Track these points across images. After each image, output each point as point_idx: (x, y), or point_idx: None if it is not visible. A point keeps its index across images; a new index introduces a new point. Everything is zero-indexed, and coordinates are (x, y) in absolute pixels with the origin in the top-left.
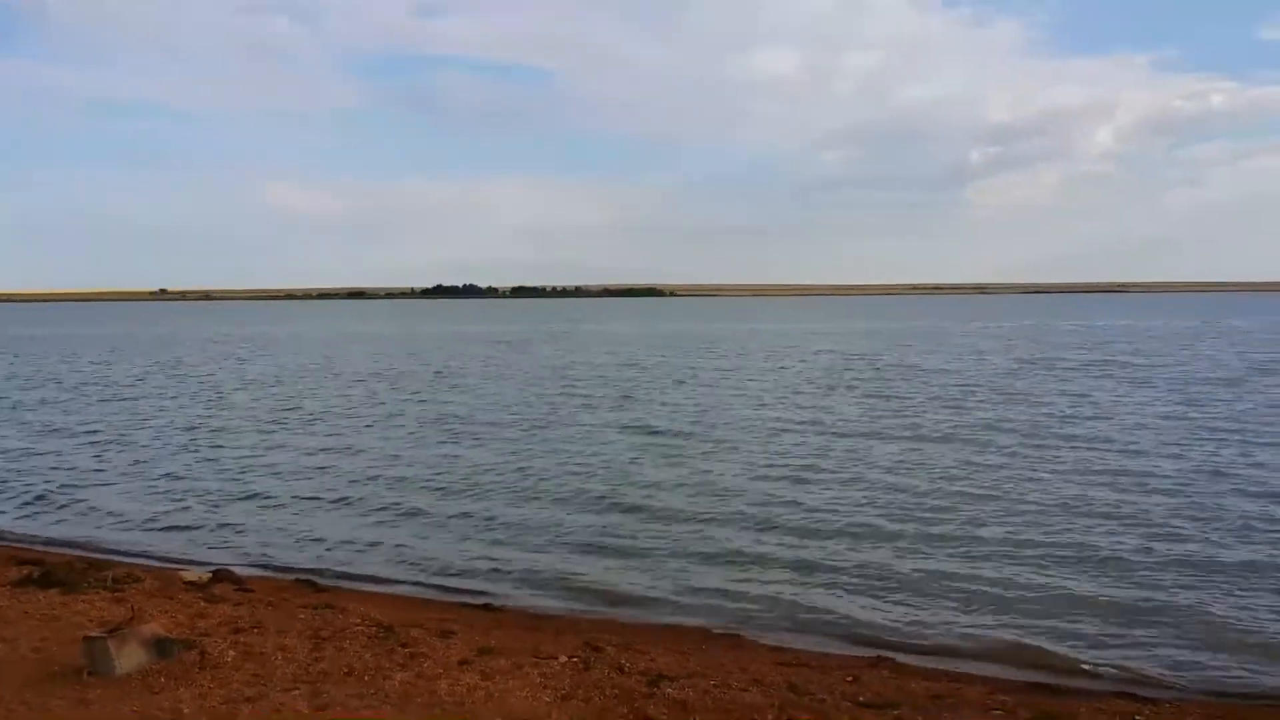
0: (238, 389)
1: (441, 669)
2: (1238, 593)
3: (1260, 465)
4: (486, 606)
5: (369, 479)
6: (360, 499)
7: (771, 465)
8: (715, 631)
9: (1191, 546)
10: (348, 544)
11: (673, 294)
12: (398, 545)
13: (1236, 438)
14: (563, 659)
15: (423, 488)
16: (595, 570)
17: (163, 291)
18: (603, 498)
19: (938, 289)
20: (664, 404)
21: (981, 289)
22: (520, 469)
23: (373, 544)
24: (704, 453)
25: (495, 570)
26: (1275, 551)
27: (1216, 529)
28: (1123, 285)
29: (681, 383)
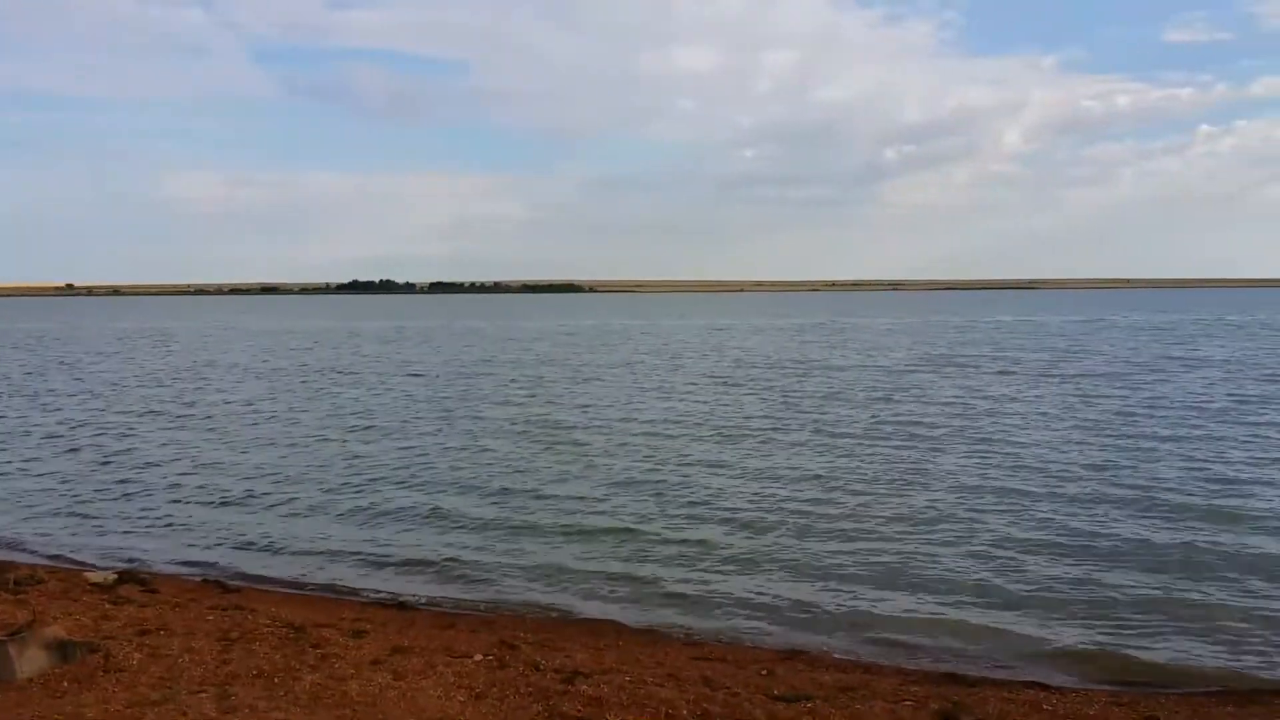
0: (135, 386)
1: (353, 669)
2: (1133, 585)
3: (1143, 462)
4: (401, 605)
5: (273, 478)
6: (266, 498)
7: (675, 462)
8: (632, 627)
9: (1086, 539)
10: (257, 544)
11: (592, 290)
12: (309, 544)
13: (1127, 432)
14: (477, 657)
15: (328, 486)
16: (511, 568)
17: (69, 287)
18: (512, 495)
19: (854, 285)
20: (565, 400)
21: (896, 286)
22: (424, 466)
23: (283, 544)
24: (608, 450)
25: (409, 569)
26: (1159, 545)
27: (1106, 522)
28: (1032, 282)
29: (584, 380)
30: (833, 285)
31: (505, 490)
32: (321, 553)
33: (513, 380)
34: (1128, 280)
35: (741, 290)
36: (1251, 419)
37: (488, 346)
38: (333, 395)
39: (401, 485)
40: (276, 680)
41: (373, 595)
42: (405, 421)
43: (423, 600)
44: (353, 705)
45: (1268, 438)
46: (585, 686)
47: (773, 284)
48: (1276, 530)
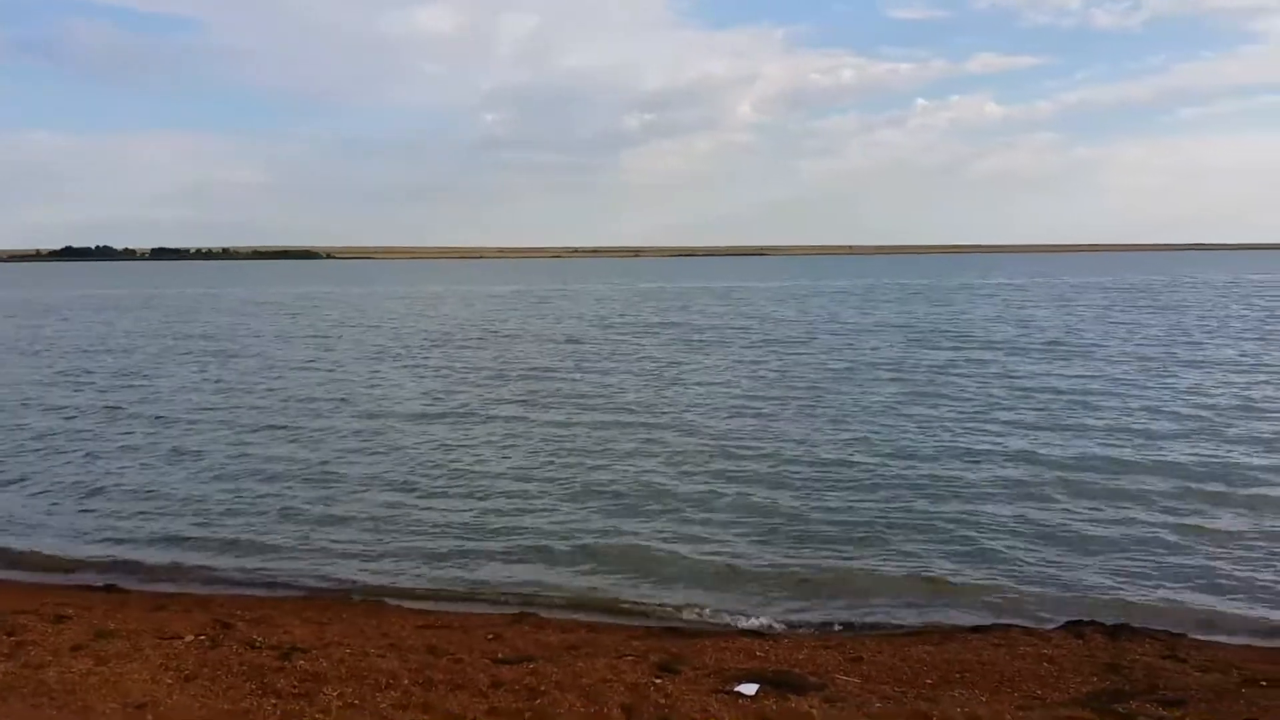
0: None
1: (51, 656)
2: (823, 537)
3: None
4: (109, 588)
5: None
6: None
7: (359, 434)
8: (357, 599)
9: (772, 490)
10: None
11: (329, 256)
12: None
13: (786, 393)
14: (189, 638)
15: (19, 463)
16: (227, 544)
17: None
18: (217, 468)
19: (595, 252)
20: (203, 372)
21: (636, 252)
22: (109, 439)
23: None
24: (314, 423)
25: (121, 550)
26: (846, 498)
27: (782, 477)
28: (764, 248)
29: (231, 355)
30: (575, 252)
31: (205, 465)
32: (25, 534)
33: (161, 354)
34: (850, 247)
35: (483, 257)
36: (913, 377)
37: (162, 317)
38: None
39: (96, 462)
40: None
41: (81, 578)
42: (69, 393)
43: (136, 583)
44: (50, 694)
45: (925, 393)
46: (303, 662)
47: (516, 250)
48: (966, 470)
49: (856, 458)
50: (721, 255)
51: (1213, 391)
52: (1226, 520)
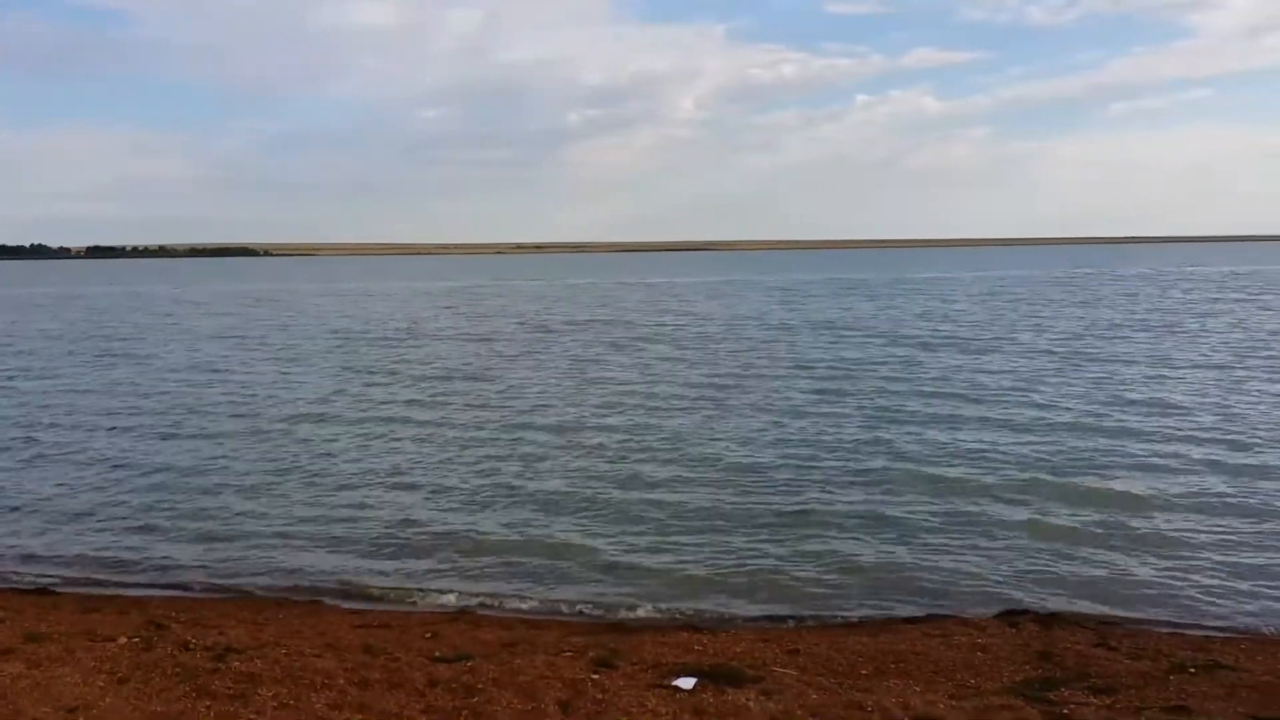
0: None
1: None
2: (756, 533)
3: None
4: (42, 590)
5: None
6: None
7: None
8: (294, 600)
9: (698, 492)
10: None
11: (267, 253)
12: None
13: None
14: (122, 640)
15: None
16: (163, 545)
17: None
18: (144, 471)
19: (540, 248)
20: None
21: (580, 247)
22: (32, 442)
23: None
24: (224, 423)
25: (52, 552)
26: (776, 494)
27: (680, 475)
28: (709, 243)
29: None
30: (519, 248)
31: (141, 465)
32: None
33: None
34: (791, 242)
35: (425, 253)
36: (830, 373)
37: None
38: None
39: (31, 464)
40: None
41: (14, 581)
42: None
43: (70, 585)
44: None
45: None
46: (238, 663)
47: (458, 246)
48: (896, 466)
49: (784, 453)
50: (664, 250)
51: (1129, 384)
52: (1157, 512)
